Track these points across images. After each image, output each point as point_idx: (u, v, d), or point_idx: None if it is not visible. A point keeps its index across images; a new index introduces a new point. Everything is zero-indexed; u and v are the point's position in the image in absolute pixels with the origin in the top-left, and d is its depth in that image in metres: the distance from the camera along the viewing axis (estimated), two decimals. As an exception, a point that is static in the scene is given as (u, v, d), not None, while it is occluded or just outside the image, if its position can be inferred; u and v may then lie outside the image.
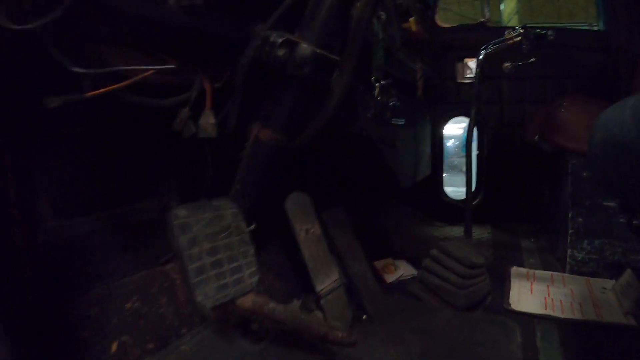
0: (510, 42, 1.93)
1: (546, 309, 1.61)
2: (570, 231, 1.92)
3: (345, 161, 1.76)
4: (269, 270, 1.49)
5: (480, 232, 2.54)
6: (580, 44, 2.70)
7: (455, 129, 6.66)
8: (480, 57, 1.99)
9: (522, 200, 2.74)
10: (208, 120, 1.10)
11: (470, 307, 1.58)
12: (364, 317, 1.48)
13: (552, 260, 2.14)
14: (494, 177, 2.72)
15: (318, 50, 1.10)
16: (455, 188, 3.17)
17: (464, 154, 6.44)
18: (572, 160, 1.94)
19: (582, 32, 3.20)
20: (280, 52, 1.06)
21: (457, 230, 2.55)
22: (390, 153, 1.76)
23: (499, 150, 2.71)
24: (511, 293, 1.71)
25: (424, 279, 1.68)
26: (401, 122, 1.91)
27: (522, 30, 1.90)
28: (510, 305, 1.62)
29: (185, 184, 1.29)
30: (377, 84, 1.46)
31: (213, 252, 1.05)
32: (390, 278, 1.82)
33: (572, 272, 1.92)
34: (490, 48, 1.97)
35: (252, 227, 1.26)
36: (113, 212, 1.17)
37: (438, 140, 2.77)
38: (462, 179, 6.18)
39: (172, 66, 0.98)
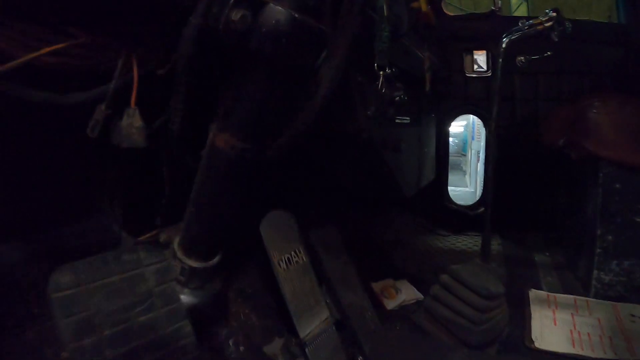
0: (540, 27, 1.64)
1: (574, 346, 1.36)
2: (598, 250, 1.68)
3: (338, 168, 1.48)
4: (245, 302, 1.23)
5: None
6: (599, 38, 2.44)
7: (454, 127, 6.49)
8: (503, 45, 1.70)
9: (535, 207, 2.48)
10: (132, 122, 0.78)
11: (486, 345, 1.31)
12: (360, 358, 1.22)
13: (571, 279, 1.89)
14: (503, 182, 2.45)
15: (297, 16, 0.73)
16: (453, 187, 3.05)
17: (464, 153, 6.27)
18: (604, 169, 1.69)
19: (601, 25, 2.92)
20: (236, 16, 0.69)
21: (464, 241, 2.30)
22: (393, 157, 1.49)
23: (509, 152, 2.45)
24: (533, 326, 1.46)
25: (432, 309, 1.42)
26: (406, 120, 1.64)
27: (553, 14, 1.62)
28: (533, 342, 1.37)
29: (135, 201, 1.02)
30: (380, 73, 1.12)
31: (119, 342, 0.72)
32: (390, 304, 1.55)
33: (597, 295, 1.67)
34: (515, 35, 1.69)
35: (215, 260, 1.00)
36: (38, 237, 0.89)
37: (443, 141, 2.50)
38: (462, 178, 6.03)
39: (82, 40, 0.65)
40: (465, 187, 5.31)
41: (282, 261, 1.06)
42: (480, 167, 6.22)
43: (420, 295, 1.64)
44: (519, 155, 2.42)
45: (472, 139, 6.47)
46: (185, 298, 1.01)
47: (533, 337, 1.39)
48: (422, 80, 1.71)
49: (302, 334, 1.03)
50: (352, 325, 1.22)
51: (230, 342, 1.12)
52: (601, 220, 1.68)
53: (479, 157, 6.46)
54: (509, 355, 1.30)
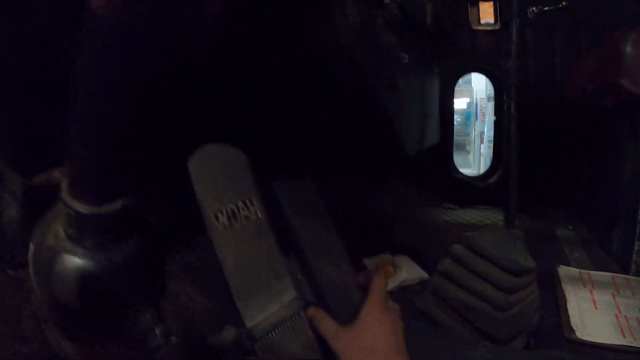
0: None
1: (624, 335, 1.05)
2: (641, 217, 1.34)
3: (317, 110, 1.12)
4: (190, 279, 0.91)
5: (498, 217, 1.93)
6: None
7: (457, 103, 6.21)
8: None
9: (552, 177, 2.15)
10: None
11: (512, 337, 0.98)
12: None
13: (602, 255, 1.58)
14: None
15: None
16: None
17: (467, 132, 6.05)
18: (648, 114, 1.35)
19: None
20: None
21: (474, 215, 1.97)
22: (390, 97, 1.15)
23: (522, 116, 2.14)
24: (570, 311, 1.13)
25: (441, 290, 1.08)
26: (404, 58, 1.29)
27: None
28: (574, 332, 1.05)
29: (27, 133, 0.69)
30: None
31: None
32: (388, 285, 1.20)
33: (637, 273, 1.37)
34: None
35: (116, 205, 0.67)
36: None
37: (448, 102, 2.16)
38: (465, 158, 5.80)
39: None
40: (469, 167, 5.03)
41: (221, 214, 0.71)
42: (484, 148, 5.96)
43: (424, 274, 1.30)
44: (534, 119, 2.10)
45: (476, 119, 6.20)
46: (76, 262, 0.67)
47: (573, 326, 1.07)
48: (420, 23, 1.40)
49: (249, 322, 0.68)
50: (332, 312, 0.88)
51: (157, 331, 0.78)
52: (647, 179, 1.35)
53: (482, 138, 6.20)
54: (545, 351, 0.97)
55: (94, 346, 0.75)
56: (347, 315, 0.89)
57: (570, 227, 1.86)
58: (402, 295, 1.22)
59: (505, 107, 1.91)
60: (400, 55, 1.24)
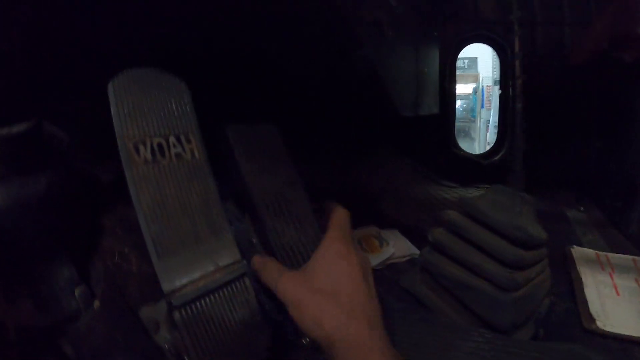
0: None
1: (654, 327, 0.86)
2: (666, 192, 1.17)
3: (288, 52, 0.95)
4: (127, 236, 0.75)
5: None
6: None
7: (462, 88, 6.04)
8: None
9: (560, 155, 1.99)
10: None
11: (518, 325, 0.80)
12: (306, 340, 0.71)
13: (618, 237, 1.40)
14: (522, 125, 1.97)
15: None
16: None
17: (473, 118, 5.89)
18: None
19: None
20: None
21: (475, 193, 1.79)
22: (377, 43, 0.98)
23: (528, 89, 1.97)
24: (588, 296, 0.95)
25: (431, 266, 0.90)
26: (393, 4, 1.12)
27: None
28: (594, 322, 0.87)
29: None
30: None
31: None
32: (372, 260, 1.03)
33: (661, 256, 1.17)
34: None
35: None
36: None
37: (449, 70, 1.98)
38: (470, 145, 5.65)
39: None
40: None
41: (143, 146, 0.54)
42: (490, 136, 5.78)
43: (415, 251, 1.13)
44: (540, 92, 1.94)
45: (482, 106, 6.01)
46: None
47: (593, 314, 0.89)
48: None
49: (167, 286, 0.51)
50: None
51: (76, 292, 0.63)
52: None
53: (488, 126, 6.02)
54: (558, 344, 0.79)
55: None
56: None
57: (582, 208, 1.69)
58: (388, 275, 1.04)
59: (511, 80, 1.76)
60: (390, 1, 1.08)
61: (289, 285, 0.55)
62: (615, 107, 1.63)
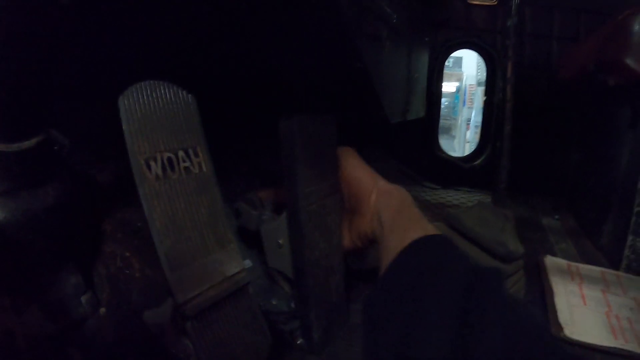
0: None
1: (615, 336, 0.93)
2: (637, 209, 1.24)
3: (282, 51, 0.96)
4: (129, 240, 0.78)
5: (483, 200, 1.81)
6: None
7: (445, 86, 6.09)
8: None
9: (540, 164, 2.05)
10: None
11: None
12: (299, 341, 0.76)
13: (590, 248, 1.47)
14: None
15: None
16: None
17: (454, 116, 5.97)
18: (653, 98, 1.23)
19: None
20: None
21: (456, 196, 1.85)
22: (370, 51, 1.00)
23: (514, 97, 2.02)
24: (558, 305, 1.01)
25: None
26: (392, 16, 1.15)
27: None
28: (562, 329, 0.93)
29: None
30: None
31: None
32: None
33: (629, 269, 1.25)
34: None
35: (30, 143, 0.53)
36: None
37: (437, 75, 2.03)
38: (450, 143, 5.72)
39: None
40: (453, 152, 4.92)
41: (154, 162, 0.56)
42: (470, 135, 5.87)
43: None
44: (522, 103, 1.99)
45: (464, 105, 6.09)
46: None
47: (562, 322, 0.95)
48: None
49: (180, 297, 0.54)
50: (303, 292, 0.75)
51: (83, 300, 0.65)
52: (646, 167, 1.23)
53: (468, 125, 6.11)
54: (527, 349, 0.84)
55: (4, 313, 0.61)
56: (323, 300, 0.77)
57: (557, 217, 1.75)
58: (374, 276, 1.08)
59: (499, 87, 1.80)
60: (388, 11, 1.10)
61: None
62: (596, 124, 1.68)
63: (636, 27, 1.27)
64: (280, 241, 0.78)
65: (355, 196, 0.85)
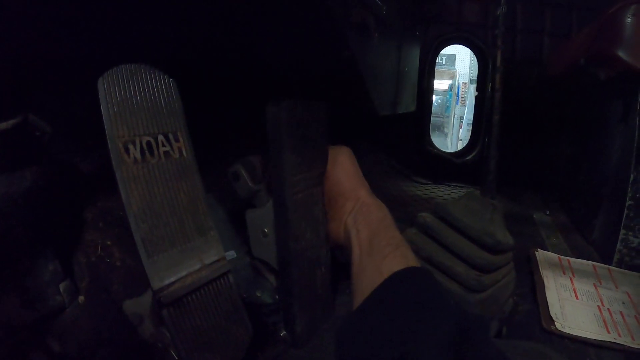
0: None
1: (608, 330, 0.92)
2: (629, 203, 1.22)
3: (268, 38, 0.95)
4: (110, 228, 0.76)
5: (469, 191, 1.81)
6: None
7: (438, 84, 6.11)
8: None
9: (531, 158, 2.05)
10: None
11: (482, 323, 0.85)
12: (282, 333, 0.75)
13: (581, 242, 1.46)
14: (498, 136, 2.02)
15: None
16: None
17: (447, 114, 5.98)
18: (645, 91, 1.21)
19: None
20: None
21: (446, 191, 1.85)
22: (360, 43, 0.99)
23: (504, 93, 2.01)
24: (549, 299, 1.01)
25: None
26: (382, 8, 1.14)
27: None
28: (554, 323, 0.92)
29: None
30: None
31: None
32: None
33: (620, 263, 1.24)
34: None
35: (10, 122, 0.51)
36: None
37: (428, 70, 2.02)
38: (442, 140, 5.72)
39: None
40: (446, 149, 4.92)
41: (133, 146, 0.55)
42: (463, 132, 5.88)
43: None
44: (513, 98, 1.98)
45: (457, 102, 6.10)
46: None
47: (552, 315, 0.94)
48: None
49: (156, 283, 0.53)
50: (287, 283, 0.74)
51: (61, 288, 0.63)
52: (636, 162, 1.22)
53: (461, 122, 6.13)
54: (520, 342, 0.84)
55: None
56: (307, 294, 0.76)
57: (548, 212, 1.75)
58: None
59: (489, 76, 1.79)
60: (377, 3, 1.09)
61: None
62: (587, 118, 1.67)
63: (628, 19, 1.27)
64: (265, 230, 0.77)
65: (332, 199, 0.82)
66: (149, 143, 0.57)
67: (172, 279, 0.54)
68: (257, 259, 0.80)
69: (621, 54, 1.24)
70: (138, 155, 0.55)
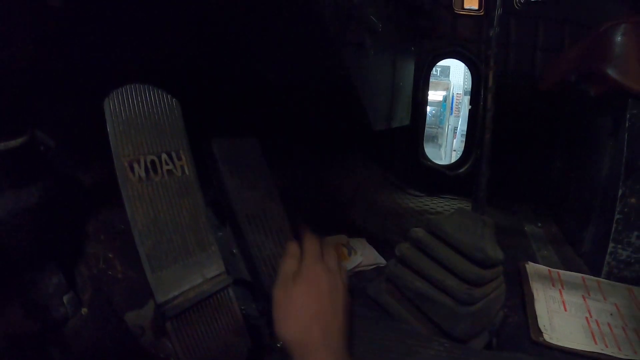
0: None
1: (595, 341, 0.95)
2: (617, 217, 1.25)
3: (269, 58, 0.98)
4: (112, 241, 0.78)
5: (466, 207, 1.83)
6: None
7: (433, 95, 6.15)
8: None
9: (523, 172, 2.07)
10: None
11: (473, 335, 0.87)
12: (279, 344, 0.77)
13: (571, 254, 1.48)
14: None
15: None
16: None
17: (441, 125, 5.99)
18: (633, 108, 1.26)
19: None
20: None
21: (440, 203, 1.87)
22: (355, 59, 1.02)
23: (497, 106, 2.04)
24: (538, 310, 1.03)
25: (397, 278, 0.97)
26: (378, 25, 1.17)
27: None
28: (542, 334, 0.94)
29: None
30: None
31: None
32: None
33: (609, 276, 1.26)
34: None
35: (18, 141, 0.53)
36: None
37: (422, 84, 2.05)
38: (436, 151, 5.74)
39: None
40: (440, 161, 4.94)
41: (137, 164, 0.57)
42: (457, 143, 5.92)
43: (381, 260, 1.19)
44: (506, 112, 2.02)
45: (451, 113, 6.14)
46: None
47: (541, 327, 0.97)
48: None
49: (160, 297, 0.55)
50: (265, 291, 0.76)
51: (65, 299, 0.65)
52: (625, 176, 1.25)
53: (455, 133, 6.16)
54: (509, 354, 0.86)
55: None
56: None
57: (540, 224, 1.77)
58: (355, 282, 1.10)
59: (482, 95, 1.81)
60: (373, 21, 1.12)
61: (279, 295, 0.59)
62: (577, 133, 1.70)
63: (617, 39, 1.30)
64: (233, 250, 0.79)
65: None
66: (152, 162, 0.59)
67: (176, 293, 0.56)
68: (232, 276, 0.82)
69: (610, 72, 1.28)
70: (143, 174, 0.58)
